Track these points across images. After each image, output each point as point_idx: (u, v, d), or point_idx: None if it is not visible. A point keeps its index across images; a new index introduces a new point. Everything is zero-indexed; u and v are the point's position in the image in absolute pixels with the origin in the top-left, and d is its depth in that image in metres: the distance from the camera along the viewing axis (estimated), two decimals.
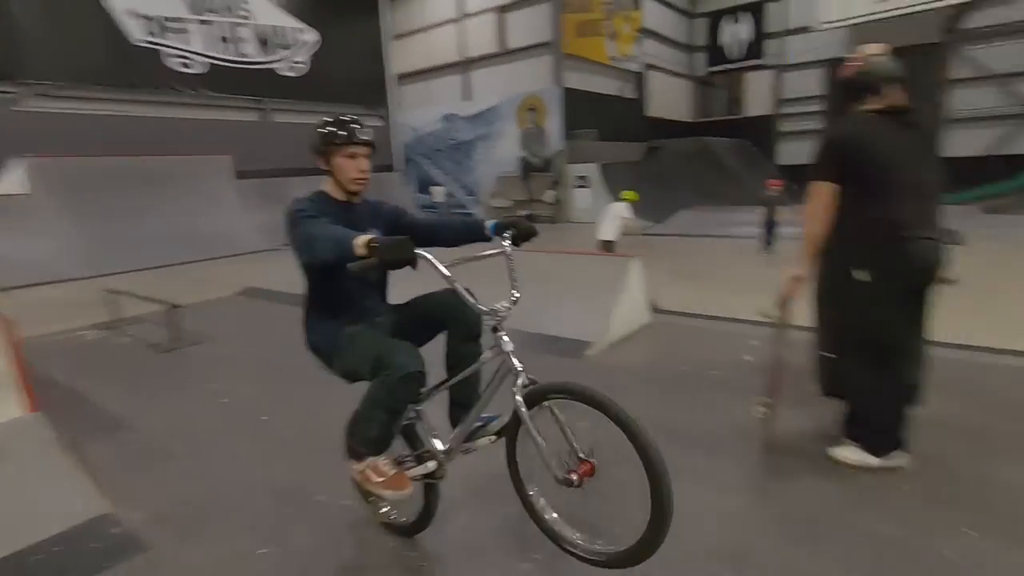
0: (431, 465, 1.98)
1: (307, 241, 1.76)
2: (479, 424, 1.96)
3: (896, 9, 15.16)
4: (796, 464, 2.57)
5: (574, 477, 1.62)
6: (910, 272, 2.18)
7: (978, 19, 16.74)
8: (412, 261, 1.58)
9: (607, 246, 8.38)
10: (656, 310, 5.27)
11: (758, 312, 2.83)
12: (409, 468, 1.97)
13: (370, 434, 1.85)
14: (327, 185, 2.00)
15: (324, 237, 1.70)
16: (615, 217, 8.56)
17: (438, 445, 1.99)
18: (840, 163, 2.26)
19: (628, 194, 9.15)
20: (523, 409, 1.67)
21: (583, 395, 1.59)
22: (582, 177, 16.31)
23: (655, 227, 12.82)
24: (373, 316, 2.02)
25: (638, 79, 19.98)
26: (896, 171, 2.16)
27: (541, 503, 1.86)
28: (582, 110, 16.97)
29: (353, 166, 1.92)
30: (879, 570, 1.91)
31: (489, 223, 2.01)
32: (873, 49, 2.36)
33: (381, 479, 1.83)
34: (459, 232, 2.07)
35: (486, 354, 1.89)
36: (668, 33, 21.62)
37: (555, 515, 1.84)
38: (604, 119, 17.75)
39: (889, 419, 2.35)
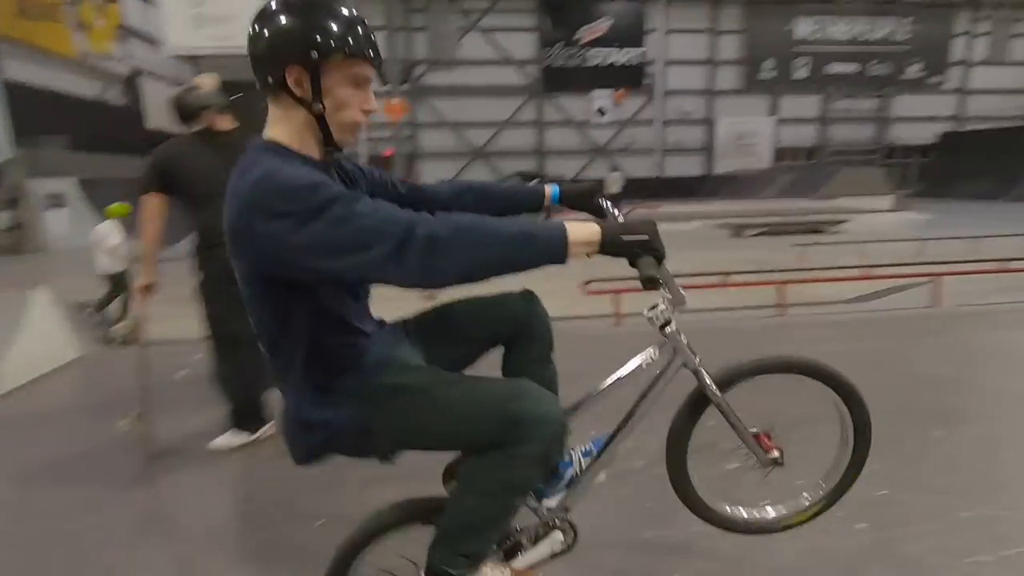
0: (558, 536, 1.29)
1: (397, 241, 0.88)
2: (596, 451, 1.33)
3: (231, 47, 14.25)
4: (179, 463, 2.56)
5: (777, 454, 1.36)
6: (221, 273, 2.45)
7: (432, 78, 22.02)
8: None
9: (112, 282, 6.51)
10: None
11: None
12: (529, 554, 1.28)
13: (483, 529, 1.13)
14: (281, 133, 1.04)
15: (469, 230, 0.91)
16: (103, 242, 6.57)
17: (552, 504, 1.30)
18: (158, 178, 2.47)
19: (115, 208, 6.88)
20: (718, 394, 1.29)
21: (785, 365, 1.37)
22: (55, 196, 13.03)
23: (173, 248, 11.38)
24: (392, 348, 1.19)
25: (130, 84, 17.43)
26: (204, 185, 2.37)
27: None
28: (44, 112, 13.56)
29: (361, 99, 1.04)
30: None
31: (552, 188, 1.38)
32: (203, 80, 2.56)
33: None
34: (504, 203, 1.37)
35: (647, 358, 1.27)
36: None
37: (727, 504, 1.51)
38: (83, 126, 14.69)
39: (246, 397, 2.60)
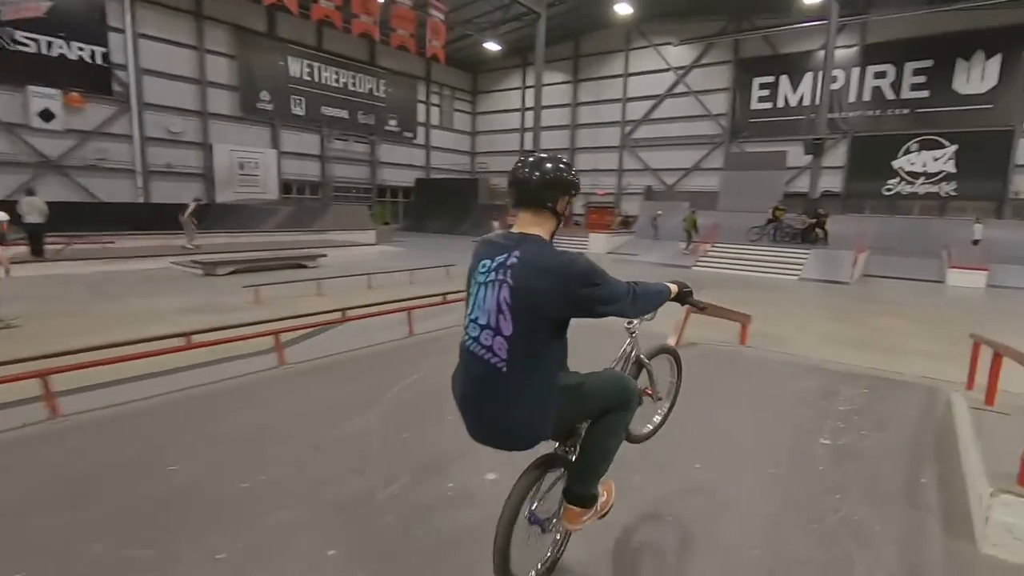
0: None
1: (630, 295, 1.82)
2: None
3: None
4: None
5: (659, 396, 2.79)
6: None
7: None
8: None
9: None
10: None
11: None
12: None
13: (611, 458, 1.99)
14: (541, 231, 1.83)
15: (646, 291, 1.91)
16: None
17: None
18: None
19: None
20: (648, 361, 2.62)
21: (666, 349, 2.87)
22: None
23: None
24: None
25: None
26: None
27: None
28: None
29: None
30: None
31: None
32: None
33: (611, 491, 2.19)
34: None
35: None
36: None
37: None
38: None
39: None
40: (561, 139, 34.75)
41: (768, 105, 27.79)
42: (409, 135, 34.24)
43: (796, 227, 19.76)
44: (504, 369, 1.69)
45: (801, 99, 26.71)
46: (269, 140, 26.80)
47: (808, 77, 26.39)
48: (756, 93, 28.06)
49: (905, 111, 24.51)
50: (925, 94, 23.99)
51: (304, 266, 14.17)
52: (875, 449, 3.70)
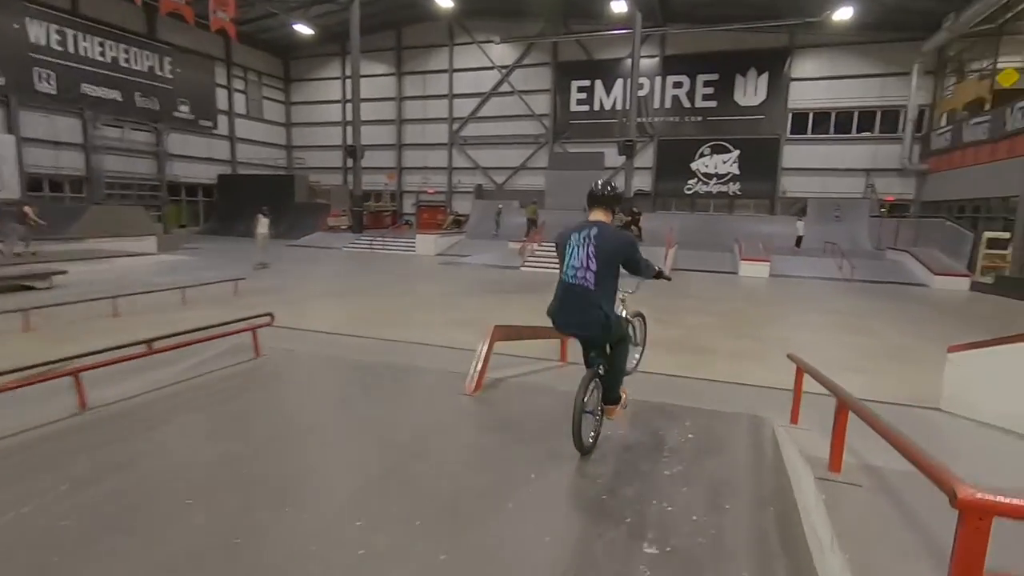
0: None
1: (645, 263, 3.28)
2: None
3: None
4: None
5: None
6: None
7: None
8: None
9: None
10: None
11: None
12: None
13: (622, 375, 3.43)
14: (607, 219, 3.29)
15: (648, 265, 3.34)
16: None
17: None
18: None
19: None
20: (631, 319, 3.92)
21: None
22: None
23: None
24: None
25: None
26: None
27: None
28: None
29: None
30: None
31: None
32: None
33: (626, 393, 3.55)
34: None
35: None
36: None
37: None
38: None
39: None
40: (387, 134, 32.78)
41: (586, 108, 28.94)
42: (207, 124, 29.50)
43: (616, 225, 20.52)
44: (592, 288, 3.02)
45: (614, 103, 28.22)
46: (2, 123, 20.86)
47: (619, 83, 27.94)
48: (574, 96, 29.04)
49: (699, 118, 27.14)
50: (714, 104, 26.79)
51: (31, 287, 10.71)
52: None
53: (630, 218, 20.23)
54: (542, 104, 29.69)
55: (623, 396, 3.45)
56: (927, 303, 13.16)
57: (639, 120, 27.63)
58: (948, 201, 21.58)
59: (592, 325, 3.07)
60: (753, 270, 16.87)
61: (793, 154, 26.00)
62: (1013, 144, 17.15)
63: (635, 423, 3.93)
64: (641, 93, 27.69)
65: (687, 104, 27.24)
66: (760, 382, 6.54)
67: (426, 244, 21.15)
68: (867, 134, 25.09)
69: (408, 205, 33.47)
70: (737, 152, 26.67)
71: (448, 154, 31.89)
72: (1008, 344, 5.02)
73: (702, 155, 27.23)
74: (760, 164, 26.31)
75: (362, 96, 25.76)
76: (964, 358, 5.55)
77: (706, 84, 26.82)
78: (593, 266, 2.98)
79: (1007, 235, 15.29)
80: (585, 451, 3.20)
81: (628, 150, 20.47)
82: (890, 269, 16.96)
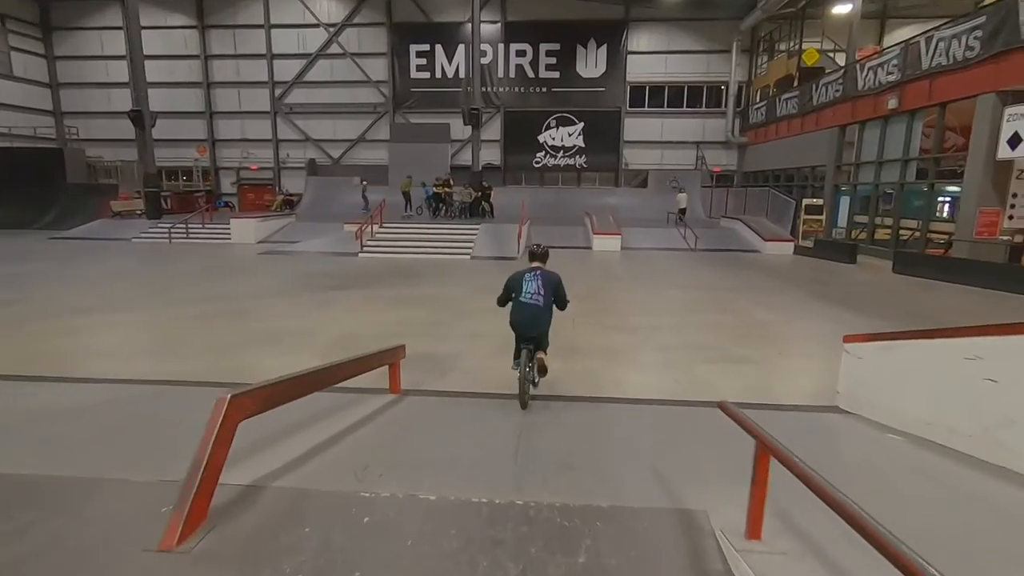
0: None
1: (565, 293, 4.69)
2: None
3: None
4: None
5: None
6: None
7: None
8: None
9: None
10: None
11: None
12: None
13: (547, 351, 4.72)
14: (544, 266, 4.81)
15: (565, 296, 4.73)
16: None
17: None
18: None
19: None
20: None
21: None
22: None
23: None
24: None
25: None
26: None
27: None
28: None
29: None
30: None
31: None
32: None
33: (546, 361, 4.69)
34: None
35: None
36: None
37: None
38: None
39: None
40: (193, 100, 27.29)
41: (427, 75, 26.53)
42: None
43: (465, 201, 18.81)
44: (541, 305, 4.45)
45: (457, 70, 26.20)
46: None
47: (461, 49, 25.93)
48: (414, 61, 26.46)
49: (544, 89, 26.27)
50: (557, 75, 26.05)
51: None
52: None
53: (480, 193, 18.66)
54: (379, 70, 26.65)
55: (547, 364, 4.69)
56: (766, 269, 13.45)
57: (484, 90, 26.05)
58: (765, 171, 23.26)
59: (542, 327, 4.58)
60: (606, 244, 16.31)
61: (633, 127, 26.34)
62: (819, 117, 18.53)
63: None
64: (484, 61, 26.01)
65: (531, 74, 26.17)
66: (648, 391, 5.27)
67: (244, 230, 17.49)
68: (696, 108, 26.21)
69: (228, 185, 28.45)
70: (582, 124, 26.35)
71: (272, 124, 27.47)
72: (909, 339, 4.20)
73: (549, 127, 26.50)
74: (604, 137, 26.30)
75: (157, 52, 20.72)
76: (861, 350, 4.70)
77: (548, 54, 25.93)
78: (542, 291, 4.52)
79: (820, 201, 16.43)
80: (525, 406, 4.41)
81: (474, 119, 18.75)
82: (727, 237, 17.52)
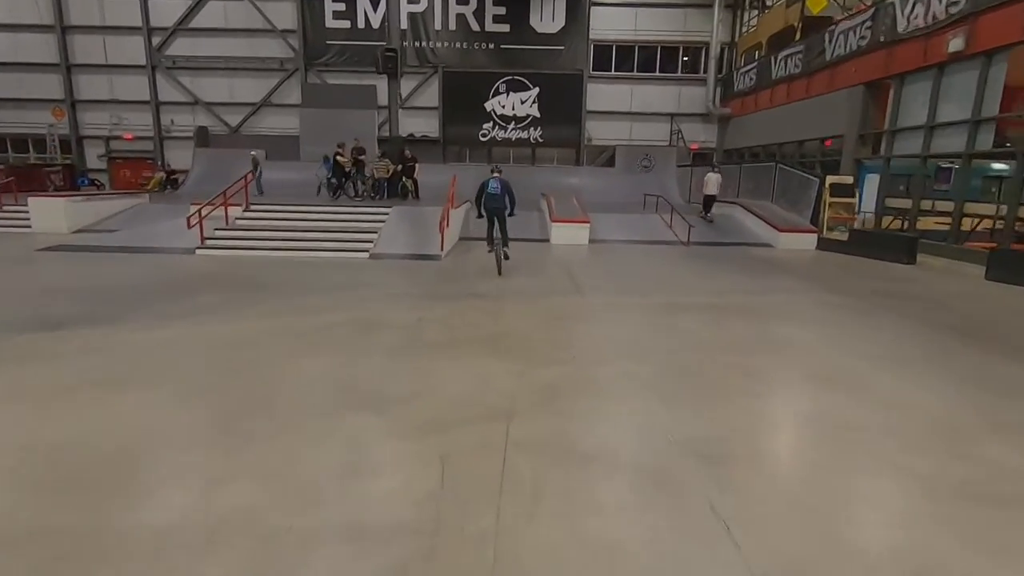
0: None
1: (514, 196, 8.28)
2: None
3: None
4: None
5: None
6: None
7: None
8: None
9: None
10: None
11: None
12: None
13: (507, 235, 8.36)
14: (502, 177, 8.41)
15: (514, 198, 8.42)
16: None
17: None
18: None
19: None
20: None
21: None
22: None
23: None
24: None
25: None
26: None
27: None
28: None
29: None
30: None
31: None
32: None
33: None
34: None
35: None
36: None
37: None
38: None
39: None
40: (41, 48, 20.83)
41: (346, 24, 21.00)
42: None
43: (381, 177, 13.72)
44: (499, 194, 8.03)
45: (384, 20, 20.81)
46: None
47: None
48: (330, 7, 20.89)
49: (491, 46, 21.20)
50: (506, 28, 21.02)
51: None
52: None
53: (399, 166, 13.66)
54: (286, 16, 20.95)
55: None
56: (800, 274, 9.06)
57: (417, 45, 20.85)
58: (754, 147, 19.14)
59: (500, 206, 7.97)
60: (569, 235, 11.68)
61: (598, 94, 21.68)
62: (834, 75, 14.34)
63: None
64: (417, 8, 20.77)
65: (476, 27, 21.06)
66: None
67: (49, 215, 11.81)
68: (671, 74, 21.78)
69: (95, 158, 22.20)
70: (536, 90, 21.50)
71: (150, 81, 21.36)
72: None
73: (497, 92, 21.52)
74: (563, 105, 21.53)
75: None
76: None
77: (496, 2, 20.85)
78: (499, 189, 7.93)
79: (850, 179, 12.23)
80: (501, 273, 7.89)
81: (390, 64, 13.60)
82: (726, 227, 13.17)
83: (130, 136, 21.75)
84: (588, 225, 11.67)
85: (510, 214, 8.13)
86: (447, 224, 9.71)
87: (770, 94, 17.72)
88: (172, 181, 20.00)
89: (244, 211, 11.06)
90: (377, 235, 10.08)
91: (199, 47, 21.15)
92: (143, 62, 21.13)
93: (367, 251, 9.48)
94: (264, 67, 21.31)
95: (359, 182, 13.61)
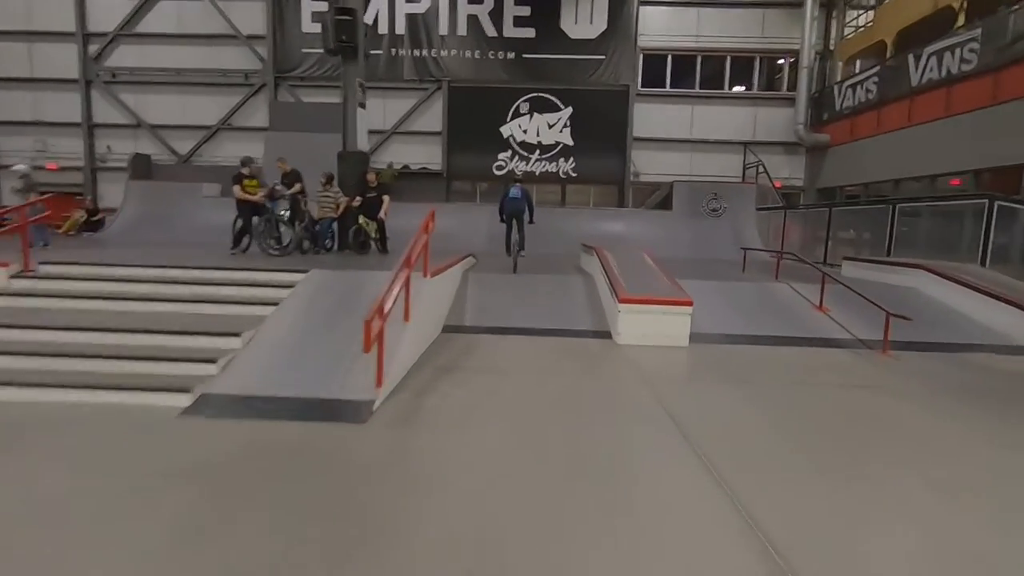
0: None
1: (533, 208, 10.32)
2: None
3: None
4: None
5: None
6: None
7: None
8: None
9: None
10: None
11: None
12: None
13: (525, 240, 10.00)
14: (524, 188, 10.72)
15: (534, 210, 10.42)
16: None
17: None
18: None
19: None
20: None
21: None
22: None
23: None
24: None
25: None
26: None
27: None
28: None
29: None
30: None
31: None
32: None
33: None
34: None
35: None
36: None
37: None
38: None
39: None
40: None
41: None
42: None
43: (321, 217, 8.40)
44: (521, 199, 9.99)
45: (376, 22, 16.12)
46: None
47: None
48: (308, 6, 16.36)
49: (510, 55, 16.31)
50: (531, 33, 16.17)
51: None
52: None
53: (357, 199, 8.36)
54: (253, 19, 16.46)
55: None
56: None
57: (417, 54, 16.11)
58: (868, 184, 13.60)
59: (522, 210, 9.85)
60: (650, 328, 6.04)
61: (647, 117, 16.51)
62: (997, 80, 8.83)
63: None
64: (418, 9, 16.13)
65: (492, 31, 16.26)
66: None
67: None
68: (746, 92, 16.60)
69: (8, 193, 17.47)
70: (568, 111, 16.44)
71: (83, 99, 16.83)
72: None
73: (518, 113, 16.49)
74: (602, 131, 16.38)
75: None
76: None
77: (519, 2, 16.15)
78: (520, 195, 9.92)
79: None
80: (516, 271, 8.08)
81: (344, 36, 8.45)
82: (907, 308, 7.34)
83: (54, 166, 17.06)
84: (689, 310, 6.01)
85: (529, 221, 9.94)
86: (384, 322, 3.96)
87: (908, 107, 12.25)
88: (94, 223, 15.07)
89: (16, 275, 5.61)
90: (242, 340, 4.50)
91: (146, 57, 16.66)
92: (75, 76, 16.65)
93: (192, 389, 3.85)
94: (225, 81, 16.67)
95: (295, 225, 8.23)
